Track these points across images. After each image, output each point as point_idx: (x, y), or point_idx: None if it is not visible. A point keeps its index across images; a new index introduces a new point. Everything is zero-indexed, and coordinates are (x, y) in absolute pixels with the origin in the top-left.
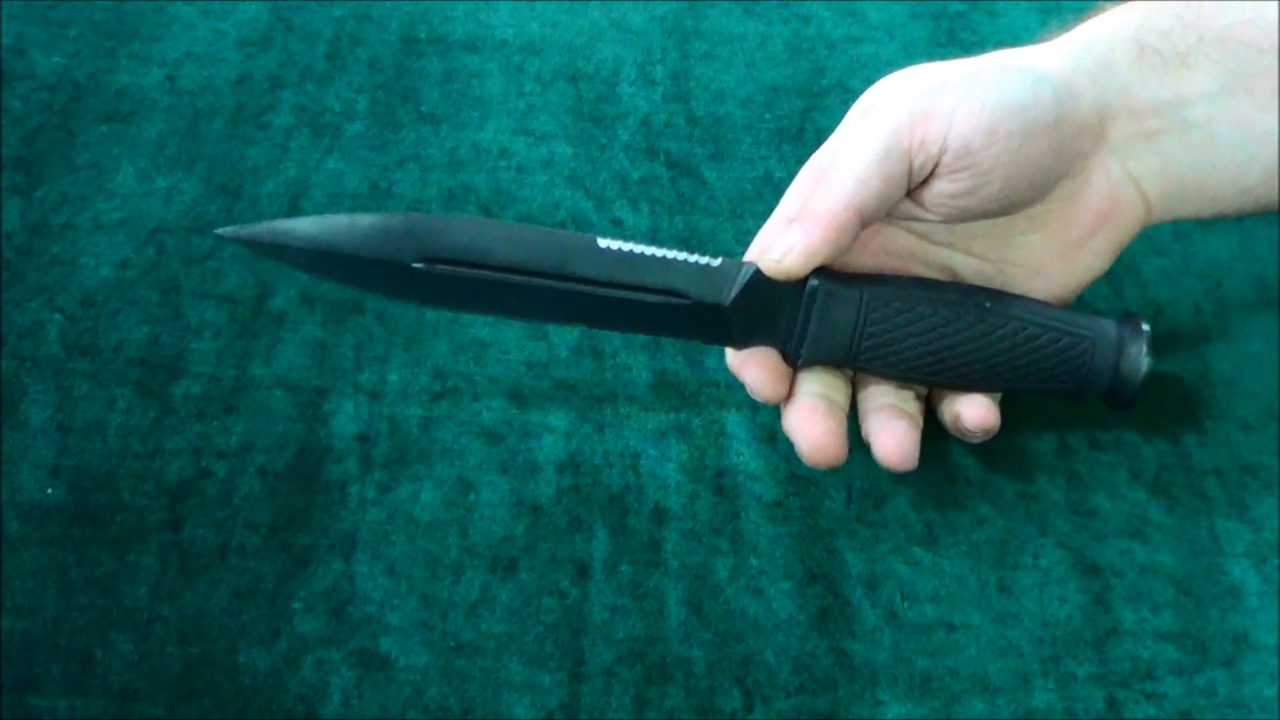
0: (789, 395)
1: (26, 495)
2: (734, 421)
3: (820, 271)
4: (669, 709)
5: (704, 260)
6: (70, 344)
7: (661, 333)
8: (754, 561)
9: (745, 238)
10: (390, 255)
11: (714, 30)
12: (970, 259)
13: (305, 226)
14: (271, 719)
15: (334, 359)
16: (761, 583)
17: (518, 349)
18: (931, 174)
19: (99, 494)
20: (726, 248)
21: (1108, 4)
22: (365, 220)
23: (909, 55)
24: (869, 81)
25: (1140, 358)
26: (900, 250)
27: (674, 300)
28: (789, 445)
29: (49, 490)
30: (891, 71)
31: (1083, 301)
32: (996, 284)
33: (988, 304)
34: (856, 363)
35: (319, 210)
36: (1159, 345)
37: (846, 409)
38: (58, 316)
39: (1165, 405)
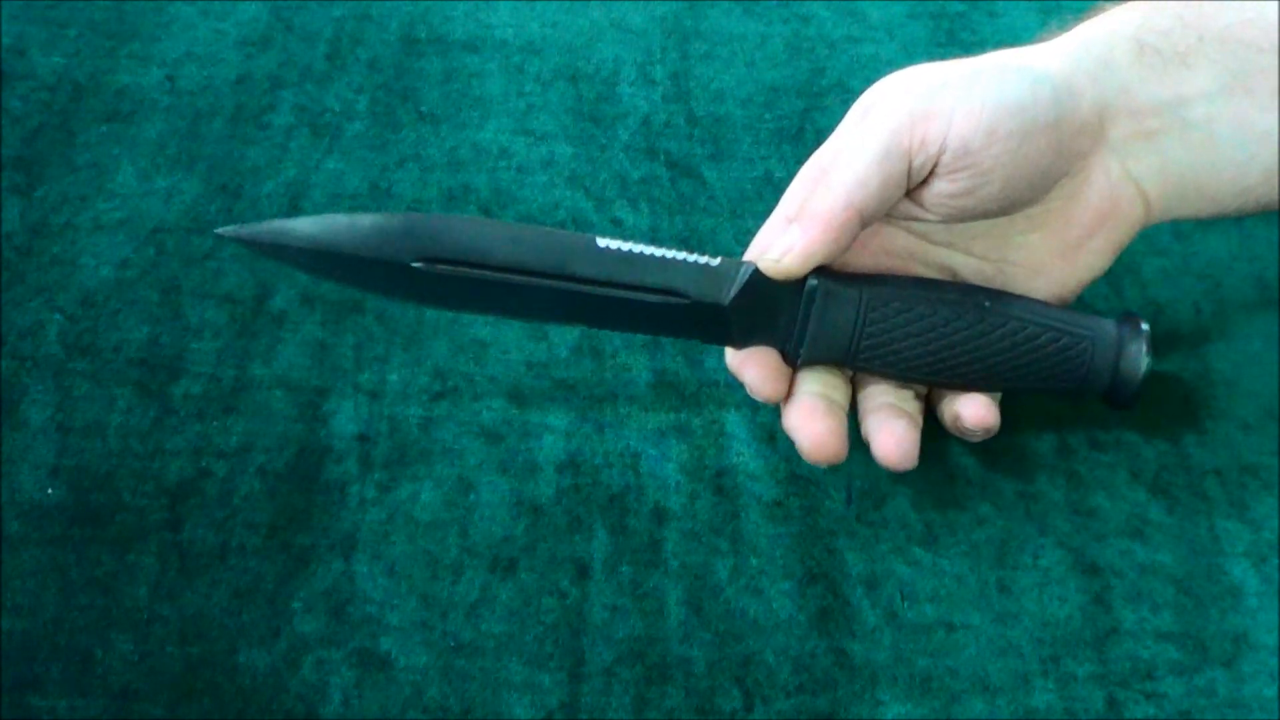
0: (789, 395)
1: (26, 495)
2: (734, 421)
3: (819, 271)
4: (669, 709)
5: (703, 260)
6: (70, 344)
7: (661, 332)
8: (754, 561)
9: (745, 238)
10: (390, 255)
11: (714, 30)
12: (970, 259)
13: (305, 226)
14: (271, 719)
15: (334, 359)
16: (761, 583)
17: (518, 349)
18: (931, 174)
19: (99, 494)
20: (726, 248)
21: (1107, 4)
22: (365, 220)
23: (909, 55)
24: (869, 81)
25: (1140, 357)
26: (900, 250)
27: (673, 300)
28: (789, 445)
29: (49, 490)
30: (891, 71)
31: (1083, 301)
32: (996, 284)
33: (987, 304)
34: (856, 362)
35: (319, 210)
36: (1159, 345)
37: (846, 408)
38: (58, 316)
39: (1165, 405)
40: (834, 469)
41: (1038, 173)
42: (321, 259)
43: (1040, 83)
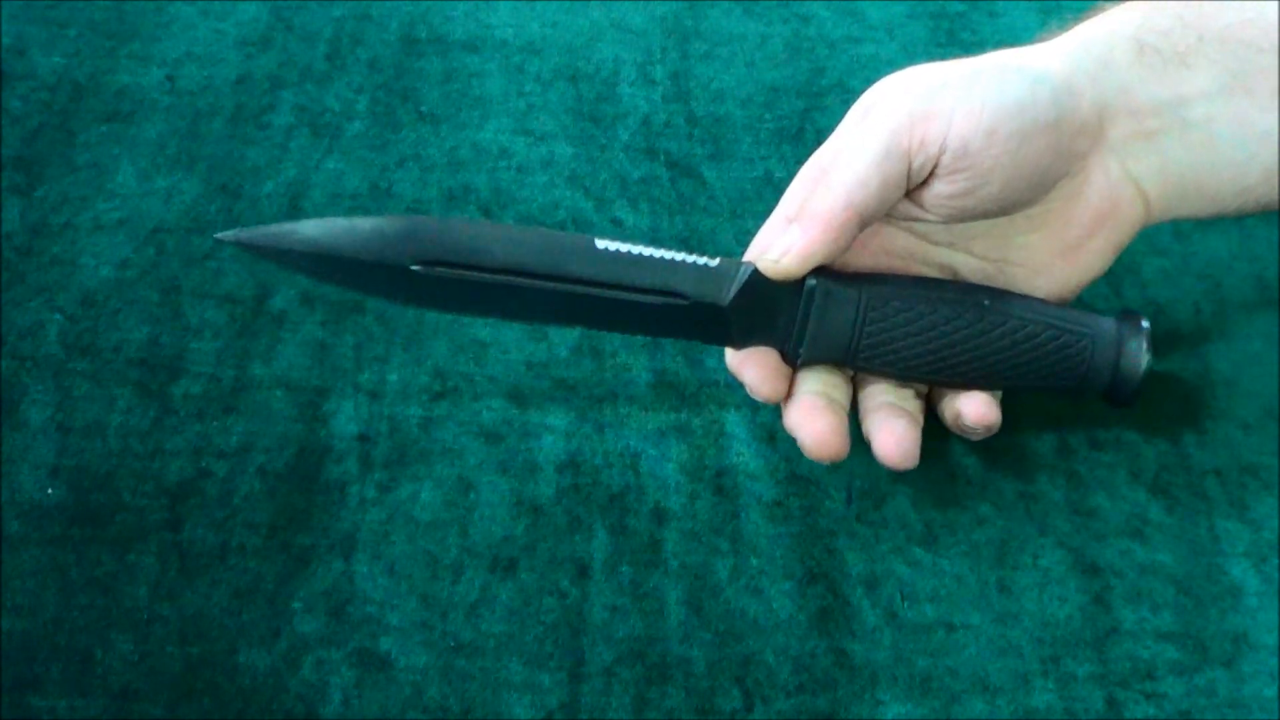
0: (789, 394)
1: (26, 495)
2: (734, 421)
3: (819, 271)
4: (669, 709)
5: (702, 260)
6: (70, 344)
7: (661, 333)
8: (754, 561)
9: (745, 238)
10: (390, 258)
11: (714, 30)
12: (970, 259)
13: (304, 230)
14: (271, 719)
15: (334, 359)
16: (761, 583)
17: (518, 349)
18: (931, 175)
19: (99, 494)
20: (726, 248)
21: (1107, 4)
22: (364, 224)
23: (909, 55)
24: (869, 81)
25: (1140, 355)
26: (900, 250)
27: (673, 301)
28: (789, 445)
29: (49, 490)
30: (891, 71)
31: (1082, 301)
32: (997, 284)
33: (986, 302)
34: (856, 362)
35: (319, 210)
36: (1159, 345)
37: (847, 407)
38: (58, 316)
39: (1165, 405)
40: (834, 469)
41: (1037, 173)
42: (321, 263)
43: (1040, 83)
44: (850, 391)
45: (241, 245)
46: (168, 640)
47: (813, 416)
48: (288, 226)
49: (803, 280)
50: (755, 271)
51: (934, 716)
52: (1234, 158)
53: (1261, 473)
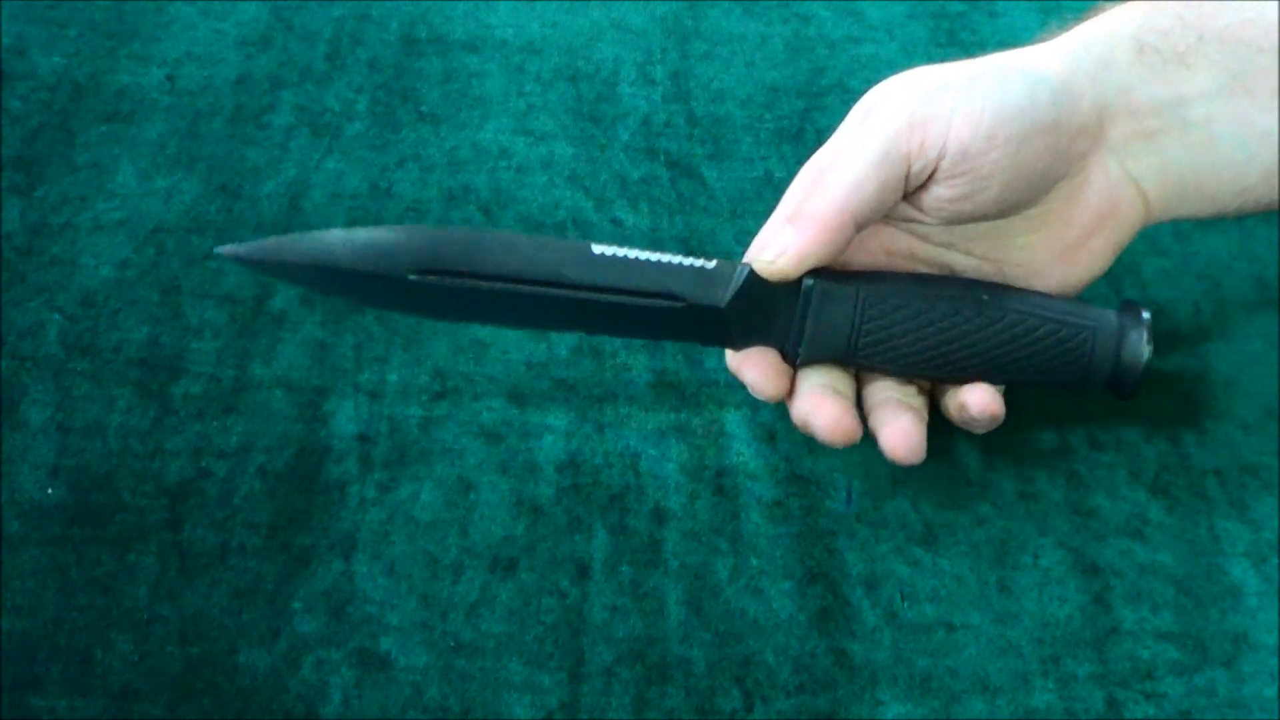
0: (791, 392)
1: (26, 495)
2: (734, 421)
3: (816, 270)
4: (669, 709)
5: (699, 263)
6: (70, 344)
7: (660, 337)
8: (754, 561)
9: (745, 238)
10: (387, 269)
11: (714, 30)
12: (970, 259)
13: (302, 244)
14: (271, 719)
15: (334, 359)
16: (761, 583)
17: (518, 349)
18: (929, 179)
19: (99, 494)
20: (726, 248)
21: (1107, 4)
22: (361, 235)
23: (909, 55)
24: (869, 81)
25: (1141, 346)
26: (900, 251)
27: (671, 304)
28: (789, 445)
29: (49, 490)
30: (891, 72)
31: (1082, 301)
32: None
33: (985, 297)
34: (856, 360)
35: (319, 210)
36: (1159, 346)
37: (852, 399)
38: (58, 316)
39: (1165, 405)
40: (834, 469)
41: (1036, 175)
42: (320, 275)
43: (1039, 85)
44: (854, 386)
45: (240, 260)
46: (168, 640)
47: (822, 404)
48: (285, 240)
49: (800, 280)
50: (752, 273)
51: (934, 716)
52: (1234, 158)
53: (1261, 473)
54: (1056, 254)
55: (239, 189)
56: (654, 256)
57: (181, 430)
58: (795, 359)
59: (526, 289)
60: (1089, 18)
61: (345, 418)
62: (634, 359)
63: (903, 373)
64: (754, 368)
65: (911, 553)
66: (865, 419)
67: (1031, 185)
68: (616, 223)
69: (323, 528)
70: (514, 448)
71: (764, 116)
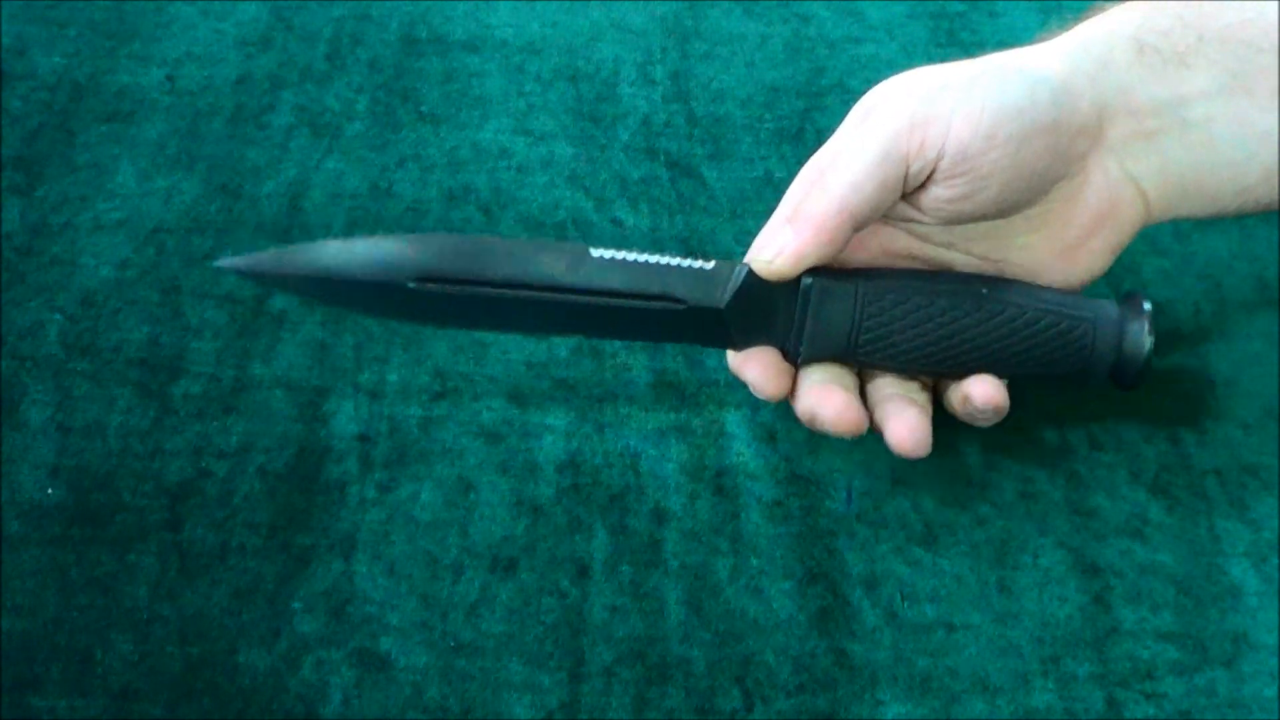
0: (793, 391)
1: (26, 495)
2: (734, 421)
3: (815, 268)
4: (669, 709)
5: (697, 264)
6: (70, 344)
7: (660, 339)
8: (754, 561)
9: (745, 238)
10: (386, 276)
11: (714, 30)
12: (970, 259)
13: (300, 254)
14: (271, 719)
15: (334, 359)
16: (761, 583)
17: (518, 349)
18: (929, 179)
19: (99, 494)
20: (726, 248)
21: (1107, 3)
22: (359, 243)
23: (909, 55)
24: (869, 81)
25: (1142, 337)
26: (899, 250)
27: (670, 306)
28: (789, 445)
29: (49, 490)
30: (891, 72)
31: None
32: None
33: (984, 291)
34: (857, 357)
35: (319, 210)
36: (1159, 345)
37: (856, 394)
38: (58, 316)
39: (1165, 405)
40: (834, 469)
41: (1036, 176)
42: (319, 285)
43: (1039, 85)
44: (856, 381)
45: (239, 273)
46: (168, 640)
47: (828, 395)
48: (284, 251)
49: (798, 279)
50: (751, 273)
51: (934, 716)
52: (1234, 157)
53: (1261, 473)
54: (1056, 254)
55: (239, 189)
56: (652, 259)
57: (181, 430)
58: (796, 358)
59: (526, 294)
60: (1088, 18)
61: (345, 418)
62: (634, 359)
63: (904, 368)
64: (755, 367)
65: (911, 553)
66: (869, 416)
67: (1031, 185)
68: (616, 223)
69: (323, 528)
70: (514, 448)
71: (764, 116)
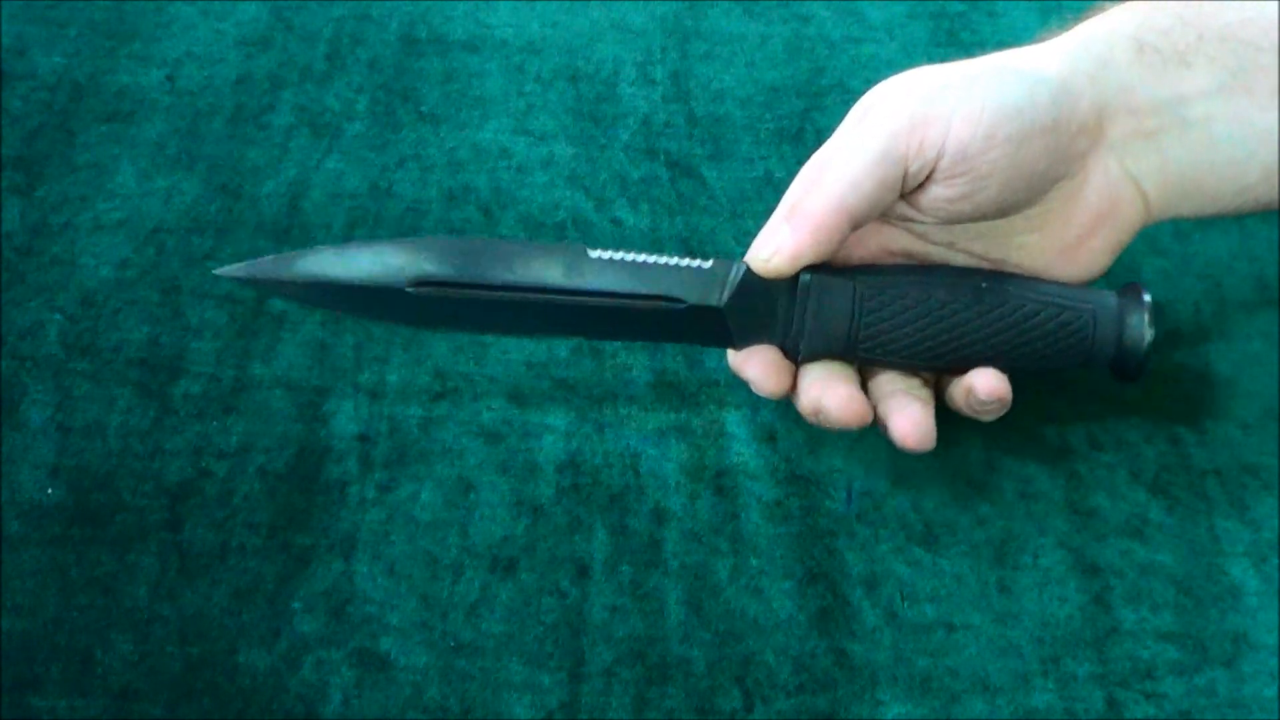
0: (795, 387)
1: (26, 495)
2: (734, 421)
3: (814, 265)
4: (669, 709)
5: (695, 263)
6: (70, 344)
7: (660, 339)
8: (754, 561)
9: (745, 238)
10: (385, 281)
11: (714, 30)
12: (970, 259)
13: (298, 261)
14: (271, 719)
15: (334, 359)
16: (761, 583)
17: (518, 349)
18: (928, 179)
19: (99, 494)
20: (726, 248)
21: (1107, 3)
22: (357, 249)
23: (909, 55)
24: (869, 81)
25: (1142, 328)
26: (899, 249)
27: (670, 306)
28: (789, 445)
29: (49, 490)
30: (891, 72)
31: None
32: None
33: (983, 284)
34: (857, 353)
35: (319, 210)
36: (1159, 345)
37: (859, 386)
38: (58, 316)
39: (1165, 405)
40: (834, 469)
41: (1035, 175)
42: (317, 291)
43: (1039, 85)
44: (858, 378)
45: (240, 280)
46: (168, 640)
47: (832, 387)
48: (281, 258)
49: (797, 276)
50: (749, 271)
51: (934, 716)
52: (1233, 156)
53: (1261, 473)
54: (1056, 253)
55: (239, 189)
56: (650, 258)
57: (181, 430)
58: (796, 355)
59: (525, 297)
60: (1088, 17)
61: (345, 418)
62: (634, 359)
63: (905, 364)
64: (756, 366)
65: (911, 553)
66: (873, 410)
67: (1031, 185)
68: (616, 223)
69: (323, 528)
70: (514, 448)
71: (764, 116)
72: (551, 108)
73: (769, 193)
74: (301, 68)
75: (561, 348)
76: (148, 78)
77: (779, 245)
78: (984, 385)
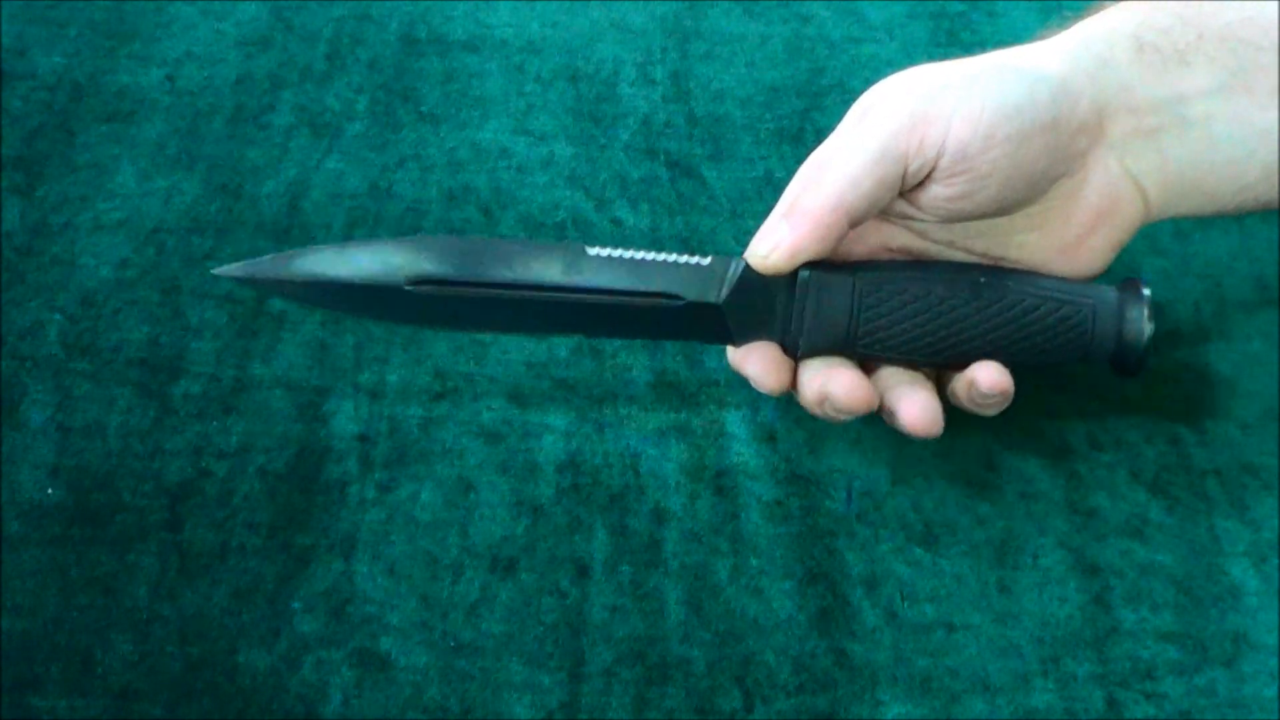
0: (795, 383)
1: (26, 495)
2: (734, 421)
3: (813, 261)
4: (669, 709)
5: (694, 260)
6: (70, 344)
7: (659, 336)
8: (754, 561)
9: (745, 238)
10: (383, 279)
11: (714, 30)
12: (970, 257)
13: (296, 260)
14: (271, 719)
15: (334, 359)
16: (761, 583)
17: (518, 349)
18: (928, 178)
19: (99, 494)
20: (726, 248)
21: (1107, 2)
22: (355, 248)
23: (909, 55)
24: (869, 81)
25: (1142, 322)
26: (899, 247)
27: (668, 303)
28: (789, 445)
29: (49, 490)
30: (891, 72)
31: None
32: None
33: (982, 279)
34: (857, 348)
35: (319, 210)
36: (1159, 345)
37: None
38: (58, 316)
39: (1165, 405)
40: (834, 469)
41: (1035, 174)
42: (316, 291)
43: (1039, 84)
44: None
45: (238, 280)
46: (168, 640)
47: (835, 373)
48: (280, 258)
49: (795, 272)
50: (748, 267)
51: (934, 716)
52: (1233, 155)
53: (1261, 473)
54: (1056, 252)
55: (239, 189)
56: (649, 256)
57: (181, 430)
58: (796, 351)
59: (524, 295)
60: (1088, 16)
61: (345, 418)
62: (634, 359)
63: (904, 359)
64: (756, 362)
65: (911, 553)
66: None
67: (1031, 184)
68: (616, 223)
69: (323, 528)
70: (514, 448)
71: (764, 116)
72: (551, 108)
73: (769, 192)
74: (301, 68)
75: (561, 348)
76: (148, 78)
77: (777, 242)
78: (986, 378)
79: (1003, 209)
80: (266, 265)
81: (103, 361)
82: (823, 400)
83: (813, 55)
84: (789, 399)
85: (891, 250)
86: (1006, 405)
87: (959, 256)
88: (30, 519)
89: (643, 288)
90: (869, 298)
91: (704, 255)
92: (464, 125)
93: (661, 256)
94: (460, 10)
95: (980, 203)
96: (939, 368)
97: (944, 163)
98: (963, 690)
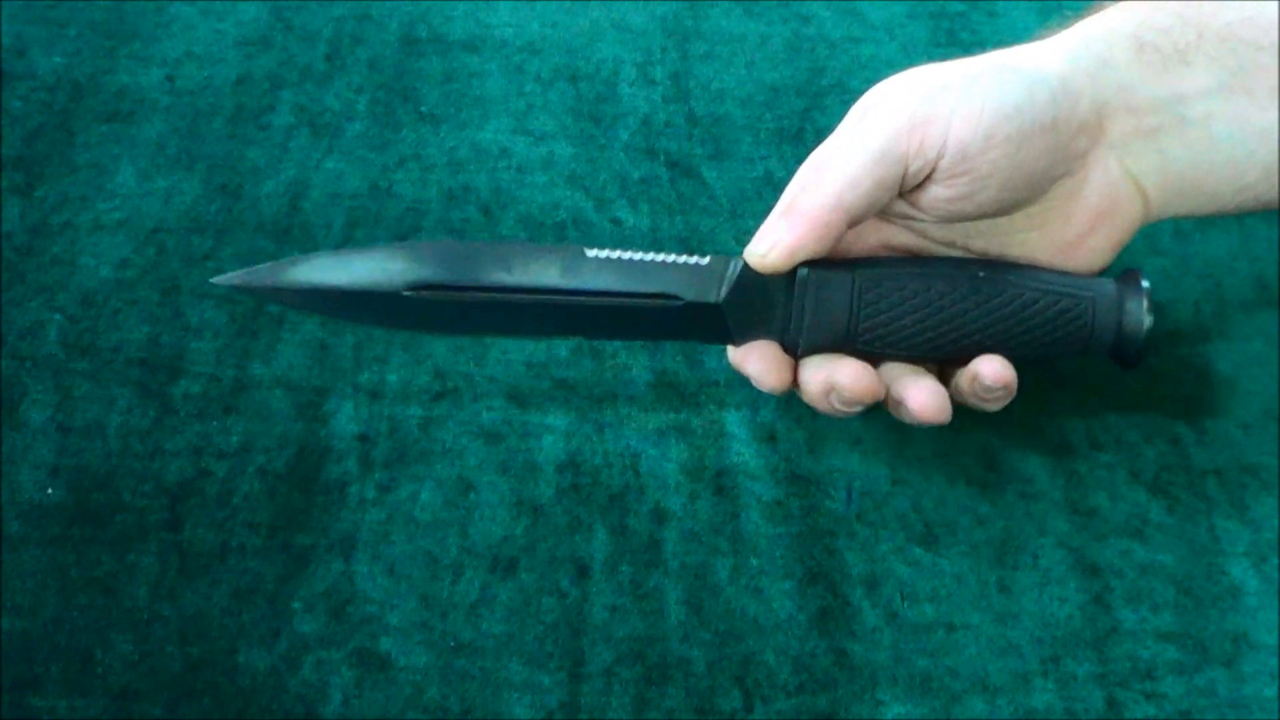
0: (796, 382)
1: (26, 495)
2: (734, 421)
3: (812, 260)
4: (669, 709)
5: (693, 260)
6: (70, 344)
7: (659, 337)
8: (754, 561)
9: (745, 238)
10: (381, 285)
11: (714, 30)
12: (970, 256)
13: (294, 268)
14: (271, 719)
15: (334, 359)
16: (761, 583)
17: (518, 349)
18: (928, 178)
19: (99, 494)
20: (726, 248)
21: (1107, 2)
22: (353, 255)
23: (909, 55)
24: (869, 81)
25: (1141, 313)
26: (899, 246)
27: (668, 303)
28: (789, 445)
29: (49, 490)
30: (891, 72)
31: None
32: None
33: (981, 273)
34: (857, 346)
35: (319, 210)
36: (1160, 345)
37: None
38: (58, 316)
39: (1165, 405)
40: (834, 469)
41: (1035, 174)
42: (315, 298)
43: (1039, 84)
44: None
45: (237, 289)
46: (168, 640)
47: (840, 364)
48: (278, 265)
49: (794, 270)
50: (746, 266)
51: (934, 716)
52: (1233, 155)
53: (1261, 473)
54: (1056, 251)
55: (239, 189)
56: (648, 256)
57: (181, 430)
58: (796, 349)
59: (523, 298)
60: (1088, 16)
61: (345, 418)
62: (634, 359)
63: (905, 355)
64: (756, 361)
65: (911, 553)
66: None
67: (1031, 184)
68: (616, 223)
69: (323, 528)
70: (514, 448)
71: (764, 116)
72: (551, 108)
73: (769, 192)
74: (301, 68)
75: (561, 348)
76: (148, 78)
77: (775, 241)
78: (990, 371)
79: (1003, 209)
80: (264, 274)
81: (103, 361)
82: (828, 391)
83: (813, 55)
84: (789, 399)
85: (890, 249)
86: (1010, 399)
87: (959, 255)
88: (30, 519)
89: (642, 289)
90: (868, 294)
91: (703, 255)
92: (464, 125)
93: (660, 257)
94: (460, 10)
95: (980, 203)
96: (939, 363)
97: (944, 163)
98: (963, 690)
